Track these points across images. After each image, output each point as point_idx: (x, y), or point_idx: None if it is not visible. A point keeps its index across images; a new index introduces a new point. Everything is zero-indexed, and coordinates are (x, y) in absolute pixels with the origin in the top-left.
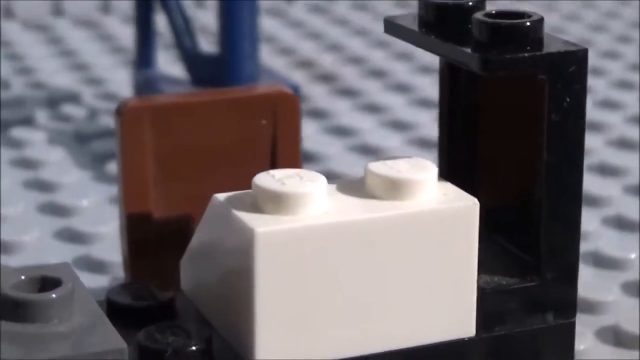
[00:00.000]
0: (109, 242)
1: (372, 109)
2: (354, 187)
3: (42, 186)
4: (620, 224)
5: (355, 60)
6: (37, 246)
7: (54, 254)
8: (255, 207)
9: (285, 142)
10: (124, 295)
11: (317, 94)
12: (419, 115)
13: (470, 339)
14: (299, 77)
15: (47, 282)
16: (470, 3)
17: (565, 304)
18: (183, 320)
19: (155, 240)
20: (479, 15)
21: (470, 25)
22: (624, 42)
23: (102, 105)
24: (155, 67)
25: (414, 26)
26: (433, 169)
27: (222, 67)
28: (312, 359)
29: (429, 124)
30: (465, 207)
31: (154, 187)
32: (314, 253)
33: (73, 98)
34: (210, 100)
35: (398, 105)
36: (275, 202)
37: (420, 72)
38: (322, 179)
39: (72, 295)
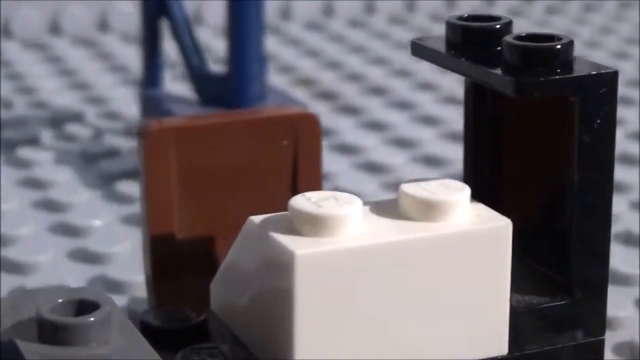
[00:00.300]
0: (123, 262)
1: (375, 126)
2: (388, 208)
3: (52, 206)
4: (628, 239)
5: (355, 78)
6: (52, 267)
7: (69, 275)
8: (292, 230)
9: (306, 163)
10: (157, 318)
11: (319, 112)
12: (422, 132)
13: (502, 358)
14: (299, 95)
15: (84, 305)
16: (498, 26)
17: (595, 322)
18: (216, 341)
19: (178, 261)
20: (509, 38)
21: (498, 48)
22: (621, 58)
23: (106, 125)
24: (161, 86)
25: (442, 48)
26: (466, 190)
27: (231, 87)
28: None
29: (432, 141)
30: (498, 227)
31: (177, 208)
32: (352, 274)
33: (77, 117)
34: (233, 122)
35: (401, 123)
36: (312, 225)
37: (421, 89)
38: (358, 201)
39: (110, 318)
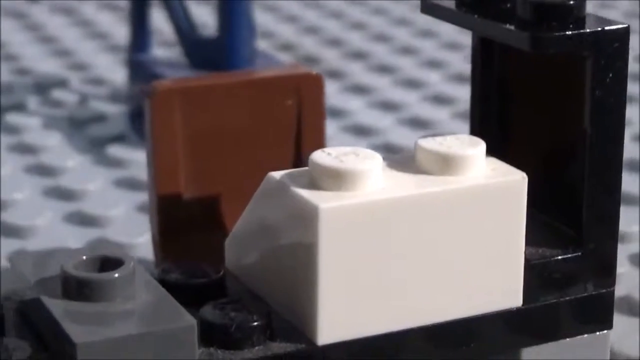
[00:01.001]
0: (121, 225)
1: (359, 90)
2: (405, 163)
3: (45, 171)
4: (625, 199)
5: (335, 43)
6: (51, 230)
7: (69, 237)
8: (314, 184)
9: (310, 122)
10: (174, 273)
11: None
12: (407, 95)
13: (517, 309)
14: (283, 59)
15: (107, 261)
16: None
17: (606, 273)
18: (235, 297)
19: (185, 221)
20: None
21: (508, 5)
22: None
23: (91, 91)
24: (150, 50)
25: (452, 6)
26: (481, 145)
27: (221, 49)
28: (371, 332)
29: (418, 104)
30: (514, 180)
31: (183, 168)
32: (374, 228)
33: (61, 84)
34: (239, 82)
35: (384, 86)
36: (334, 179)
37: (402, 54)
38: (378, 156)
39: (134, 274)
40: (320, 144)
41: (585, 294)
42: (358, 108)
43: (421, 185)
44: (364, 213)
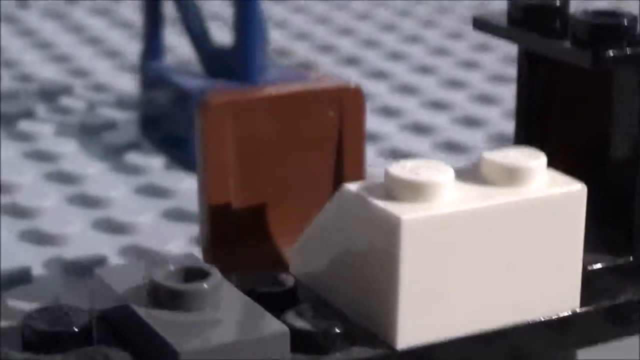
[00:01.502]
0: (150, 232)
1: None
2: (471, 174)
3: (67, 179)
4: None
5: (327, 49)
6: (82, 238)
7: (101, 245)
8: (391, 196)
9: (350, 134)
10: (249, 282)
11: None
12: (405, 101)
13: (575, 314)
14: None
15: (191, 272)
16: (558, 3)
17: None
18: (307, 304)
19: (234, 229)
20: (577, 14)
21: (557, 23)
22: None
23: (97, 97)
24: (163, 58)
25: (504, 23)
26: (542, 157)
27: (236, 59)
28: (446, 336)
29: (417, 111)
30: (575, 190)
31: (233, 178)
32: (449, 237)
33: (66, 90)
34: (285, 94)
35: (381, 92)
36: (412, 191)
37: (391, 59)
38: (450, 169)
39: (221, 284)
40: (360, 154)
41: (636, 297)
42: None
43: (490, 197)
44: (441, 223)
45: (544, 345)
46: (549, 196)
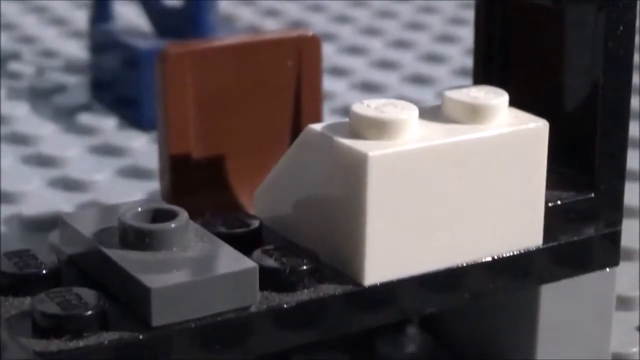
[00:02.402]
0: (108, 189)
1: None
2: (434, 113)
3: (21, 140)
4: None
5: (273, 13)
6: (39, 195)
7: (59, 202)
8: (356, 135)
9: (308, 82)
10: (215, 224)
11: None
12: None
13: (538, 248)
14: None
15: (160, 213)
16: None
17: (615, 213)
18: (274, 244)
19: (195, 179)
20: None
21: None
22: None
23: (46, 63)
24: (113, 21)
25: None
26: (505, 95)
27: (186, 18)
28: (412, 272)
29: (365, 69)
30: (537, 127)
31: (193, 128)
32: (415, 173)
33: (14, 56)
34: (243, 44)
35: (330, 53)
36: (377, 129)
37: (338, 22)
38: (415, 107)
39: (188, 224)
40: (317, 101)
41: (597, 233)
42: None
43: (454, 134)
44: (407, 160)
45: (508, 281)
46: (512, 132)
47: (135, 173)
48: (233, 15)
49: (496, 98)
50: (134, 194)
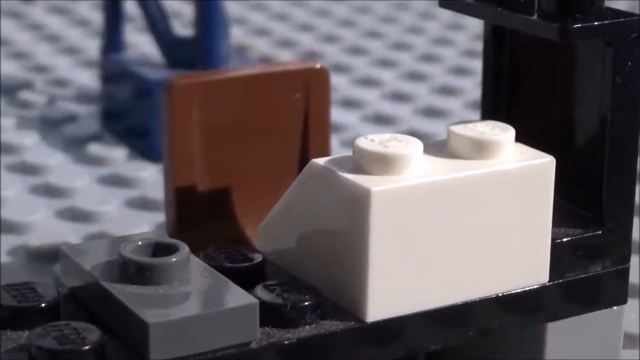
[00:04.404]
0: (115, 220)
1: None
2: (439, 148)
3: (29, 169)
4: None
5: (286, 44)
6: (46, 226)
7: (65, 233)
8: (360, 169)
9: (316, 114)
10: (217, 258)
11: None
12: (366, 93)
13: (544, 286)
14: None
15: (161, 247)
16: None
17: (623, 250)
18: (276, 279)
19: (201, 211)
20: None
21: None
22: None
23: (57, 92)
24: (125, 50)
25: None
26: (511, 130)
27: (197, 49)
28: (415, 310)
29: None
30: (543, 163)
31: (199, 160)
32: (418, 209)
33: (27, 86)
34: (251, 76)
35: (343, 85)
36: (380, 164)
37: (351, 53)
38: (419, 142)
39: (189, 259)
40: (326, 133)
41: (604, 271)
42: None
43: (459, 169)
44: (410, 195)
45: (514, 319)
46: (517, 168)
47: (144, 204)
48: (247, 46)
49: (502, 133)
50: (142, 226)
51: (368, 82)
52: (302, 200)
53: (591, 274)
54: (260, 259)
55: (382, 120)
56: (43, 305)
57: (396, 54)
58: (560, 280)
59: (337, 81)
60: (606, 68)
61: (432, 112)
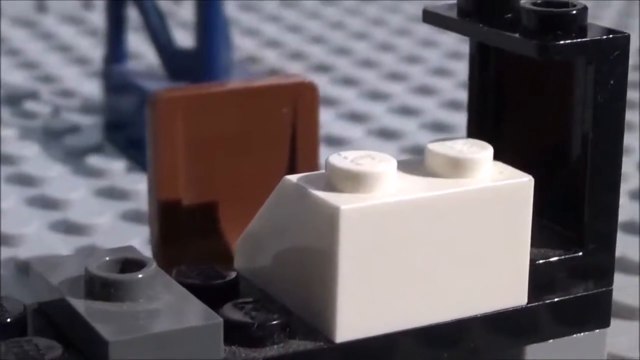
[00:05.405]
0: (108, 233)
1: (325, 102)
2: (416, 166)
3: (26, 181)
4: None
5: (297, 56)
6: (39, 238)
7: (57, 245)
8: (331, 187)
9: (304, 130)
10: (190, 275)
11: None
12: (373, 107)
13: (522, 307)
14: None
15: (129, 263)
16: None
17: (605, 273)
18: (249, 297)
19: (184, 226)
20: (527, 4)
21: (509, 15)
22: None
23: (63, 102)
24: (126, 62)
25: (455, 15)
26: (489, 148)
27: (199, 61)
28: (386, 331)
29: (385, 115)
30: (521, 183)
31: (183, 174)
32: (390, 228)
33: (32, 96)
34: (236, 90)
35: (350, 98)
36: (352, 181)
37: (362, 66)
38: (393, 160)
39: (156, 275)
40: (314, 149)
41: (586, 293)
42: (328, 119)
43: (434, 187)
44: (382, 214)
45: (490, 342)
46: (494, 187)
47: (138, 217)
48: (257, 58)
49: (480, 152)
50: (134, 239)
51: (376, 96)
52: (275, 217)
53: (572, 296)
54: (232, 277)
55: (387, 135)
56: (8, 320)
57: (408, 67)
58: (539, 302)
59: (346, 94)
60: (588, 86)
61: (439, 127)
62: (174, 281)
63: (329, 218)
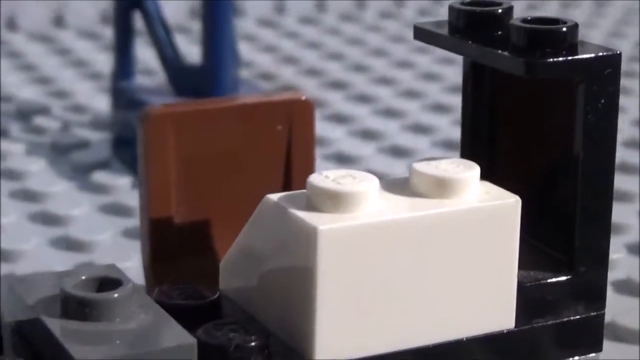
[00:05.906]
0: (108, 250)
1: (340, 119)
2: (400, 186)
3: (30, 196)
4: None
5: (313, 72)
6: (38, 254)
7: (56, 262)
8: (312, 207)
9: (300, 146)
10: (171, 295)
11: None
12: (386, 124)
13: (510, 331)
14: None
15: (105, 282)
16: (500, 10)
17: (596, 296)
18: (230, 318)
19: (176, 244)
20: (516, 21)
21: (500, 32)
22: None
23: (73, 118)
24: (134, 78)
25: (446, 32)
26: (476, 168)
27: (205, 77)
28: (367, 354)
29: (397, 133)
30: (508, 204)
31: (175, 191)
32: (371, 249)
33: (43, 111)
34: (230, 106)
35: (364, 115)
36: (332, 201)
37: (378, 83)
38: (375, 179)
39: (132, 295)
40: (309, 167)
41: (576, 317)
42: (340, 136)
43: (417, 208)
44: (362, 234)
45: None
46: (479, 208)
47: (139, 235)
48: (272, 74)
49: (466, 171)
50: (133, 256)
51: (390, 113)
52: (256, 236)
53: (562, 320)
54: (214, 297)
55: (398, 153)
56: None
57: (424, 85)
58: (527, 326)
59: (359, 111)
60: (578, 105)
61: (450, 145)
62: (152, 301)
63: (308, 238)
